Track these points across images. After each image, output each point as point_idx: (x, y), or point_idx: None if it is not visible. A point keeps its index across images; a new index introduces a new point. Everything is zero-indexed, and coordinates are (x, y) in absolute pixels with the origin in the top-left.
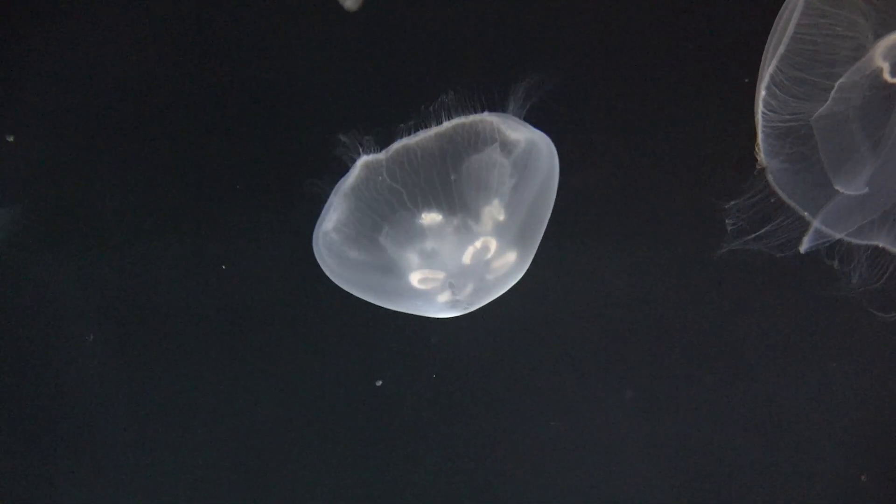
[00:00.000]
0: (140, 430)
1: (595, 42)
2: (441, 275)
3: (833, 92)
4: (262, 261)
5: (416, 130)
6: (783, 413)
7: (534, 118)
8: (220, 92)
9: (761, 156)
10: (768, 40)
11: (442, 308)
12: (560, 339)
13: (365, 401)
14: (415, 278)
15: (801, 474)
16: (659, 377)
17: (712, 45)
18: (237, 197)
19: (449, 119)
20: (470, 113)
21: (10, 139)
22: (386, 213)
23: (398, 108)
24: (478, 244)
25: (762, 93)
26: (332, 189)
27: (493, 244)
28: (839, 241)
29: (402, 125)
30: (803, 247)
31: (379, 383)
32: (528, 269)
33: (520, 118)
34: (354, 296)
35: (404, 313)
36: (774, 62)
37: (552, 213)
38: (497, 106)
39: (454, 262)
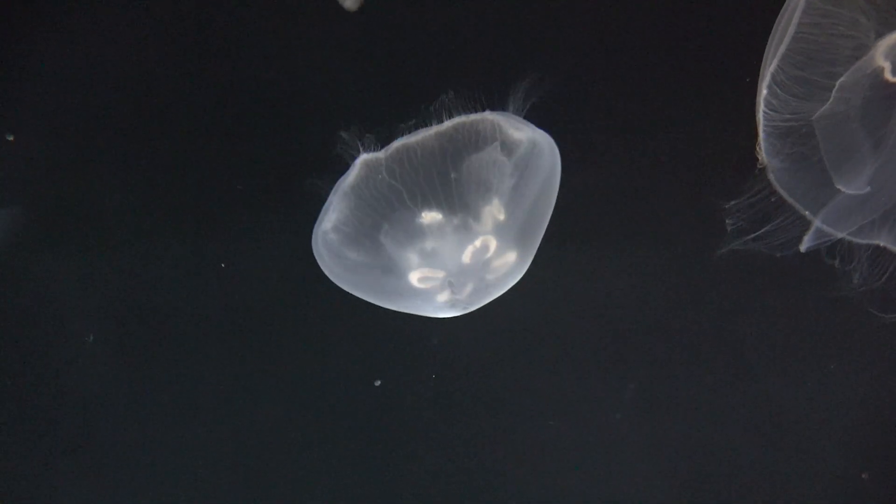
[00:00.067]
0: (140, 429)
1: (595, 42)
2: (441, 274)
3: (834, 91)
4: (262, 261)
5: (417, 129)
6: (783, 413)
7: (534, 118)
8: (220, 92)
9: (762, 155)
10: (769, 39)
11: (441, 308)
12: (560, 339)
13: (365, 401)
14: (414, 277)
15: (801, 474)
16: (659, 377)
17: (713, 45)
18: (237, 197)
19: (450, 118)
20: (471, 112)
21: (11, 138)
22: (386, 211)
23: (398, 108)
24: (477, 243)
25: (763, 92)
26: (332, 189)
27: (493, 243)
28: (840, 240)
29: (403, 125)
30: (804, 246)
31: (378, 383)
32: (528, 269)
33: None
34: (354, 296)
35: (404, 313)
36: (776, 61)
37: (552, 213)
38: (497, 106)
39: (454, 261)
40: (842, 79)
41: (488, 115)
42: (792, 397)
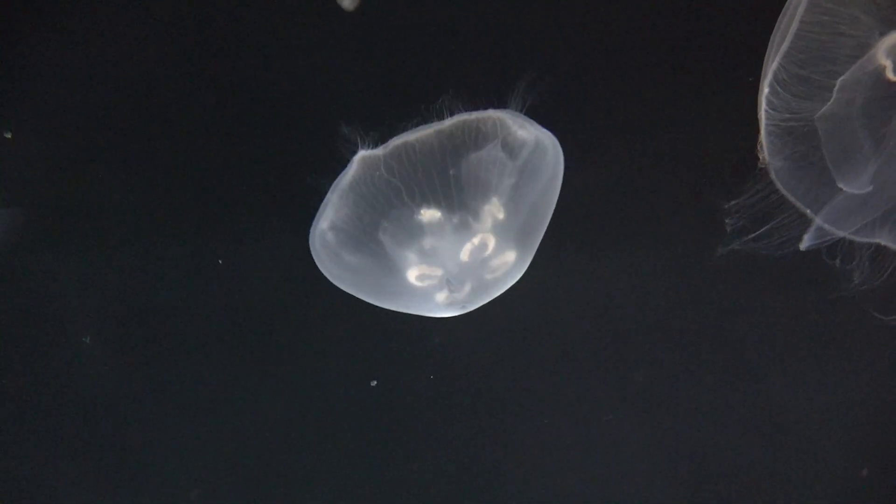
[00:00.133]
0: (140, 429)
1: (595, 42)
2: (439, 271)
3: (835, 90)
4: (262, 260)
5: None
6: (783, 413)
7: (533, 118)
8: (220, 91)
9: (764, 154)
10: (772, 38)
11: (440, 307)
12: (560, 339)
13: (364, 401)
14: (412, 275)
15: (801, 474)
16: (659, 377)
17: (713, 45)
18: (237, 196)
19: (450, 117)
20: (472, 111)
21: (9, 135)
22: (384, 209)
23: (397, 108)
24: (475, 241)
25: (765, 90)
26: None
27: (492, 241)
28: (840, 239)
29: (403, 124)
30: (804, 244)
31: (374, 383)
32: (527, 269)
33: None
34: (354, 296)
35: (404, 313)
36: (778, 60)
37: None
38: (497, 105)
39: (453, 259)
40: (843, 77)
41: (493, 113)
42: (792, 397)
